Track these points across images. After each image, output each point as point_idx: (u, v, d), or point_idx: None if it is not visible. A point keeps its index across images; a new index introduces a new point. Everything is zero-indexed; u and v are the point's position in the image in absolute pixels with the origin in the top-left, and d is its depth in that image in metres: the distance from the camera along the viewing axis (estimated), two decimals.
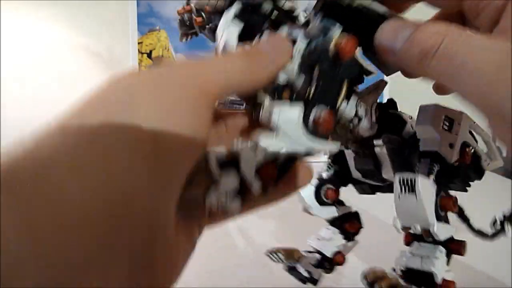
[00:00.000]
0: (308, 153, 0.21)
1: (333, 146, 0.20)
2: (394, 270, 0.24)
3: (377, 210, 0.54)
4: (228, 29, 0.21)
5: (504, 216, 0.28)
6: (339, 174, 0.23)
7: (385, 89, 0.24)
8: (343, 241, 0.30)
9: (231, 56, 0.19)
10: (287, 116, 0.19)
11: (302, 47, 0.20)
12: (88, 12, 1.11)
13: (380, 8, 0.19)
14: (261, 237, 0.51)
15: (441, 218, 0.22)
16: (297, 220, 0.55)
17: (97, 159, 0.13)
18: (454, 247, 0.23)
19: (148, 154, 0.14)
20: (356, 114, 0.22)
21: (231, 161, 0.20)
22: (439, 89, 0.24)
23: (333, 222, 0.31)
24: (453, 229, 0.23)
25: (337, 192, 0.30)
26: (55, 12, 1.11)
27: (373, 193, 0.31)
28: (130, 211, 0.14)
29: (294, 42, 0.20)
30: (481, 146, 0.26)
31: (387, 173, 0.27)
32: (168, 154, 0.15)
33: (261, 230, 0.53)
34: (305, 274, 0.30)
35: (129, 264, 0.14)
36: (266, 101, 0.20)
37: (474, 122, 0.25)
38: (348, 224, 0.31)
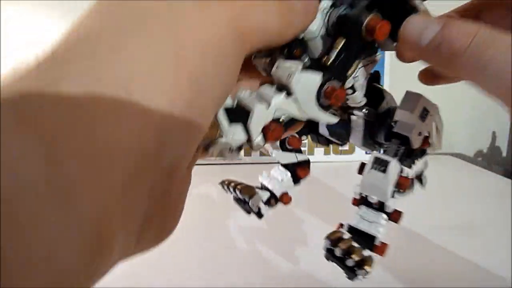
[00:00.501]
0: (310, 120, 0.20)
1: (333, 119, 0.20)
2: (342, 225, 0.26)
3: None
4: None
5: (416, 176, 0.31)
6: (305, 125, 0.24)
7: (385, 77, 0.24)
8: (292, 184, 0.33)
9: (266, 1, 0.17)
10: (306, 84, 0.19)
11: (327, 6, 0.19)
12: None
13: None
14: (260, 238, 0.51)
15: (394, 194, 0.26)
16: (297, 220, 0.56)
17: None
18: (394, 216, 0.26)
19: (184, 90, 0.14)
20: (351, 87, 0.22)
21: (240, 115, 0.19)
22: (429, 80, 0.25)
23: (286, 165, 0.33)
24: (396, 201, 0.26)
25: (299, 141, 0.32)
26: (55, 12, 1.11)
27: (327, 145, 0.33)
28: (161, 146, 0.13)
29: None
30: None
31: (354, 139, 0.29)
32: (202, 95, 0.15)
33: (261, 230, 0.53)
34: (254, 208, 0.32)
35: (148, 197, 0.13)
36: (281, 59, 0.20)
37: (438, 114, 0.27)
38: (300, 169, 0.33)
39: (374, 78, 0.27)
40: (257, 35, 0.17)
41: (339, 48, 0.19)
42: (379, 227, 0.25)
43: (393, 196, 0.25)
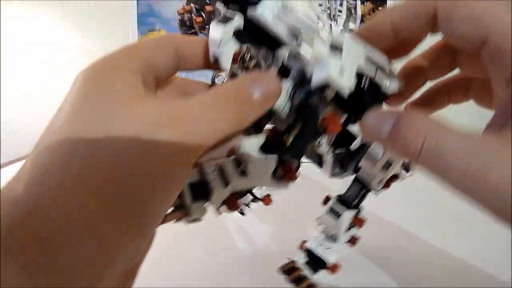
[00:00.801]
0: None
1: (287, 187, 0.23)
2: (304, 242, 0.32)
3: (383, 210, 0.54)
4: (225, 46, 0.20)
5: None
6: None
7: None
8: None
9: (217, 105, 0.18)
10: (262, 169, 0.22)
11: (290, 86, 0.20)
12: (88, 12, 1.11)
13: (382, 61, 0.20)
14: (261, 238, 0.51)
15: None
16: (297, 220, 0.56)
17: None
18: (332, 268, 0.31)
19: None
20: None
21: (203, 192, 0.23)
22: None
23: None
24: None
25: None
26: (55, 12, 1.11)
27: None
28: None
29: (286, 69, 0.20)
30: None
31: (325, 171, 0.32)
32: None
33: (261, 231, 0.53)
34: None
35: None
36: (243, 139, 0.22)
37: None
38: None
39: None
40: (213, 139, 0.17)
41: (296, 131, 0.21)
42: (332, 253, 0.30)
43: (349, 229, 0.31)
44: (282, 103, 0.20)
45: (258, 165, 0.22)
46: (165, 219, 0.22)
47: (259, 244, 0.49)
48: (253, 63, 0.21)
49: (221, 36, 0.20)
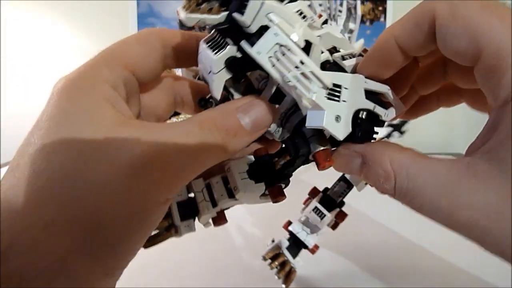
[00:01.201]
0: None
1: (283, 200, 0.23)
2: (290, 223, 0.34)
3: (373, 211, 0.54)
4: (216, 75, 0.19)
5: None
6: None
7: None
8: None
9: (204, 136, 0.16)
10: (251, 195, 0.22)
11: (282, 112, 0.20)
12: (88, 12, 1.11)
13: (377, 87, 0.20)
14: (261, 238, 0.51)
15: None
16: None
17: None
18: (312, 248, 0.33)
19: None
20: None
21: (191, 212, 0.23)
22: (411, 115, 0.25)
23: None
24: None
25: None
26: (55, 12, 1.11)
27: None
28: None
29: (279, 94, 0.20)
30: None
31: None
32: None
33: (261, 231, 0.53)
34: None
35: None
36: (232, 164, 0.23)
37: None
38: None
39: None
40: (197, 173, 0.17)
41: (286, 160, 0.22)
42: (312, 238, 0.33)
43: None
44: (273, 128, 0.20)
45: (247, 192, 0.22)
46: (155, 242, 0.23)
47: (259, 244, 0.49)
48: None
49: (211, 64, 0.19)
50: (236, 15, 0.17)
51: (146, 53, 0.19)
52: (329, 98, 0.17)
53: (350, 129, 0.18)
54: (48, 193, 0.14)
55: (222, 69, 0.19)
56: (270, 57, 0.17)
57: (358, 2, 0.99)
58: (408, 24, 0.17)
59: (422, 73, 0.22)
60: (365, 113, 0.19)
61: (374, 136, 0.20)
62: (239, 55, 0.18)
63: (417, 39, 0.17)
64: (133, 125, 0.16)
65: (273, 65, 0.17)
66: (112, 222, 0.15)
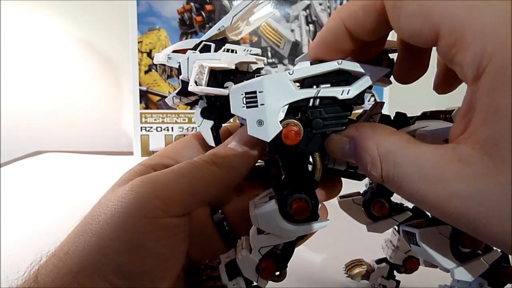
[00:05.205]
0: (300, 237, 0.23)
1: (322, 225, 0.22)
2: None
3: None
4: (201, 124, 0.25)
5: None
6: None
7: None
8: None
9: (200, 174, 0.20)
10: (264, 214, 0.21)
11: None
12: (88, 11, 1.11)
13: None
14: None
15: None
16: None
17: None
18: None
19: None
20: None
21: (237, 271, 0.23)
22: (440, 89, 0.24)
23: None
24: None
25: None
26: (55, 11, 1.11)
27: None
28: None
29: None
30: None
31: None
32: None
33: None
34: None
35: None
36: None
37: None
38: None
39: None
40: (200, 202, 0.21)
41: (282, 170, 0.24)
42: None
43: None
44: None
45: (263, 220, 0.22)
46: None
47: None
48: None
49: (196, 120, 0.25)
50: (181, 77, 0.24)
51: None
52: (248, 107, 0.18)
53: (279, 128, 0.18)
54: None
55: (202, 121, 0.25)
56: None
57: None
58: (354, 6, 0.17)
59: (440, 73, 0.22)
60: (315, 100, 0.19)
61: (347, 115, 0.19)
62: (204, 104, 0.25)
63: (365, 22, 0.16)
64: None
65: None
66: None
